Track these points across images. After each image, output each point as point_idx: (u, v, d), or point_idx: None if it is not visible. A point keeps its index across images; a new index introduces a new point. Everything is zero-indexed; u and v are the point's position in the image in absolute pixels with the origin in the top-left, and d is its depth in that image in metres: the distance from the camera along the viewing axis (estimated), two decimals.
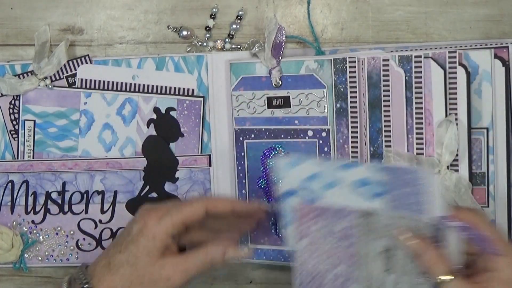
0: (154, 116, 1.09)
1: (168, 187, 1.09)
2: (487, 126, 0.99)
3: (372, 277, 0.95)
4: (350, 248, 0.94)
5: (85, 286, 0.91)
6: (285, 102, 1.02)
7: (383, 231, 0.91)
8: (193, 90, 1.08)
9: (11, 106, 1.10)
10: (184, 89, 1.08)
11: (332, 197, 0.92)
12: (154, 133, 1.09)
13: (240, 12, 1.07)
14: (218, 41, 1.08)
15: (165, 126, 1.09)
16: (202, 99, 1.07)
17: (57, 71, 1.09)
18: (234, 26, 1.07)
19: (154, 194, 1.09)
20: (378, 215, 0.90)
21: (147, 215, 0.93)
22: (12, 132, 1.10)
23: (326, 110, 1.01)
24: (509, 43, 0.99)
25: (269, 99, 1.04)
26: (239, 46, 1.08)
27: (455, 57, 0.96)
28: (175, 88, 1.08)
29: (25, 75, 1.09)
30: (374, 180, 0.88)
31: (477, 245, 0.88)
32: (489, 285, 0.87)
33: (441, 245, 0.89)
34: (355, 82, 0.99)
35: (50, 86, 1.09)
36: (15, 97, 1.10)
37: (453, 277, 0.87)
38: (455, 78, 0.97)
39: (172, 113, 1.08)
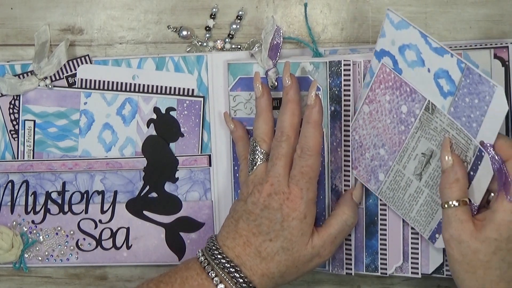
0: (154, 116, 1.09)
1: (168, 187, 1.09)
2: None
3: (403, 175, 0.95)
4: (402, 135, 0.95)
5: (241, 280, 0.94)
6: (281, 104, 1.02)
7: (436, 135, 0.92)
8: (193, 90, 1.07)
9: (11, 106, 1.10)
10: (184, 89, 1.08)
11: (415, 77, 0.93)
12: (154, 133, 1.09)
13: (240, 12, 1.07)
14: (218, 41, 1.08)
15: (165, 126, 1.08)
16: (202, 99, 1.07)
17: (57, 71, 1.09)
18: (234, 26, 1.07)
19: (154, 194, 1.09)
20: (441, 115, 0.91)
21: (283, 200, 0.94)
22: (12, 132, 1.10)
23: None
24: (509, 43, 0.99)
25: None
26: (239, 46, 1.07)
27: None
28: (175, 88, 1.08)
29: (25, 75, 1.09)
30: (452, 75, 0.89)
31: (498, 183, 0.87)
32: (484, 224, 0.87)
33: (472, 176, 0.90)
34: (349, 85, 0.99)
35: (50, 86, 1.09)
36: (15, 97, 1.10)
37: (457, 204, 0.88)
38: None
39: (172, 113, 1.08)
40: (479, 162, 0.88)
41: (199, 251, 0.97)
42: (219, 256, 0.95)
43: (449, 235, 0.89)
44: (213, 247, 0.96)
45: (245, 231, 0.95)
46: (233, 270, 0.94)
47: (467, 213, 0.88)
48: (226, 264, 0.94)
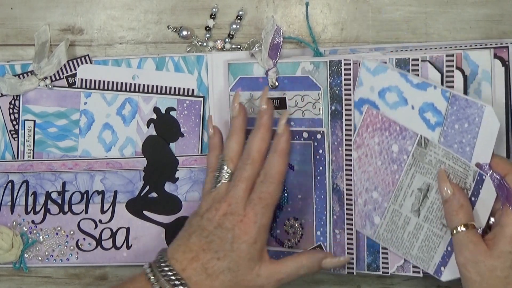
0: (154, 116, 1.09)
1: (168, 187, 1.09)
2: None
3: (400, 214, 0.96)
4: (395, 174, 0.96)
5: None
6: (282, 103, 1.02)
7: (432, 168, 0.93)
8: (193, 90, 1.08)
9: (11, 106, 1.10)
10: (184, 89, 1.08)
11: (400, 116, 0.95)
12: (154, 133, 1.09)
13: (240, 12, 1.07)
14: (218, 41, 1.08)
15: (165, 126, 1.08)
16: (202, 99, 1.07)
17: (57, 71, 1.09)
18: (234, 26, 1.07)
19: (154, 194, 1.09)
20: (435, 147, 0.92)
21: (237, 222, 0.95)
22: (12, 132, 1.10)
23: (321, 112, 1.00)
24: (509, 43, 0.99)
25: None
26: (239, 46, 1.07)
27: (452, 60, 0.95)
28: (175, 88, 1.08)
29: (25, 75, 1.09)
30: (438, 106, 0.91)
31: (501, 198, 0.88)
32: (496, 241, 0.88)
33: (474, 202, 0.90)
34: (349, 84, 0.99)
35: (50, 86, 1.09)
36: (15, 97, 1.10)
37: (464, 229, 0.89)
38: (452, 81, 0.96)
39: (172, 113, 1.08)
40: (480, 187, 0.89)
41: (145, 264, 0.97)
42: (165, 269, 0.94)
43: (464, 258, 0.89)
44: (161, 260, 0.96)
45: (196, 246, 0.95)
46: (179, 283, 0.93)
47: (477, 235, 0.89)
48: (172, 277, 0.94)
